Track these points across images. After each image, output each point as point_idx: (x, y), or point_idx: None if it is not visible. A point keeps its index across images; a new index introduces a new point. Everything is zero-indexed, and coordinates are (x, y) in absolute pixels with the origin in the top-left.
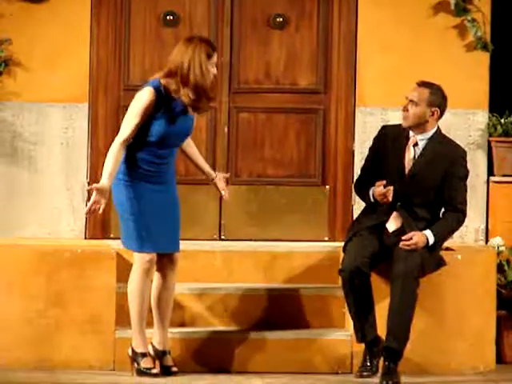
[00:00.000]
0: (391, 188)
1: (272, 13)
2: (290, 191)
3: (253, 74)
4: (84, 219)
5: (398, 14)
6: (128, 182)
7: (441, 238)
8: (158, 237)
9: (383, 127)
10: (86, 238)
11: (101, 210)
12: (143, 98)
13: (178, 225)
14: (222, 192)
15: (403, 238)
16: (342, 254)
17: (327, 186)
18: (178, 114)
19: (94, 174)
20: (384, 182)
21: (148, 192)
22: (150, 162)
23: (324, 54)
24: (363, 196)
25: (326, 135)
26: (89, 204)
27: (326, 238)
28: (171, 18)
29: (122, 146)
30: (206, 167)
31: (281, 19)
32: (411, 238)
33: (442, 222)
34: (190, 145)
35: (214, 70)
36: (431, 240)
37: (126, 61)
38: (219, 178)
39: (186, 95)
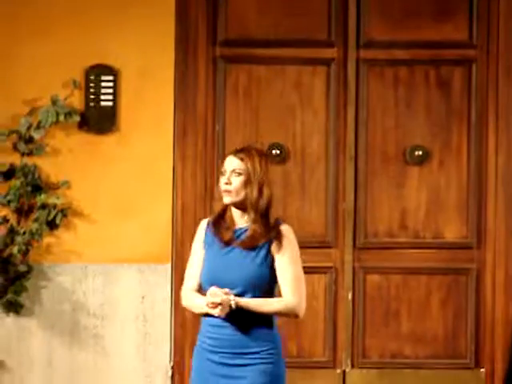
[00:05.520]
0: None
1: (409, 145)
2: (434, 376)
3: (384, 223)
4: None
5: None
6: (193, 357)
7: None
8: None
9: None
10: None
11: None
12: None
13: None
14: None
15: None
16: None
17: (482, 369)
18: (222, 247)
19: (180, 357)
20: None
21: (208, 375)
22: (206, 323)
23: (476, 197)
24: None
25: (481, 302)
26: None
27: None
28: (277, 152)
29: (184, 292)
30: None
31: (420, 152)
32: None
33: None
34: None
35: (222, 185)
36: None
37: None
38: None
39: None
